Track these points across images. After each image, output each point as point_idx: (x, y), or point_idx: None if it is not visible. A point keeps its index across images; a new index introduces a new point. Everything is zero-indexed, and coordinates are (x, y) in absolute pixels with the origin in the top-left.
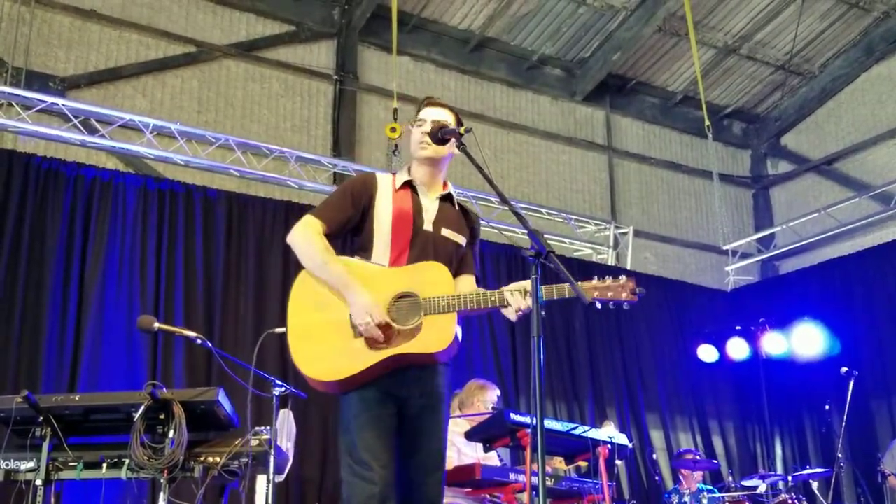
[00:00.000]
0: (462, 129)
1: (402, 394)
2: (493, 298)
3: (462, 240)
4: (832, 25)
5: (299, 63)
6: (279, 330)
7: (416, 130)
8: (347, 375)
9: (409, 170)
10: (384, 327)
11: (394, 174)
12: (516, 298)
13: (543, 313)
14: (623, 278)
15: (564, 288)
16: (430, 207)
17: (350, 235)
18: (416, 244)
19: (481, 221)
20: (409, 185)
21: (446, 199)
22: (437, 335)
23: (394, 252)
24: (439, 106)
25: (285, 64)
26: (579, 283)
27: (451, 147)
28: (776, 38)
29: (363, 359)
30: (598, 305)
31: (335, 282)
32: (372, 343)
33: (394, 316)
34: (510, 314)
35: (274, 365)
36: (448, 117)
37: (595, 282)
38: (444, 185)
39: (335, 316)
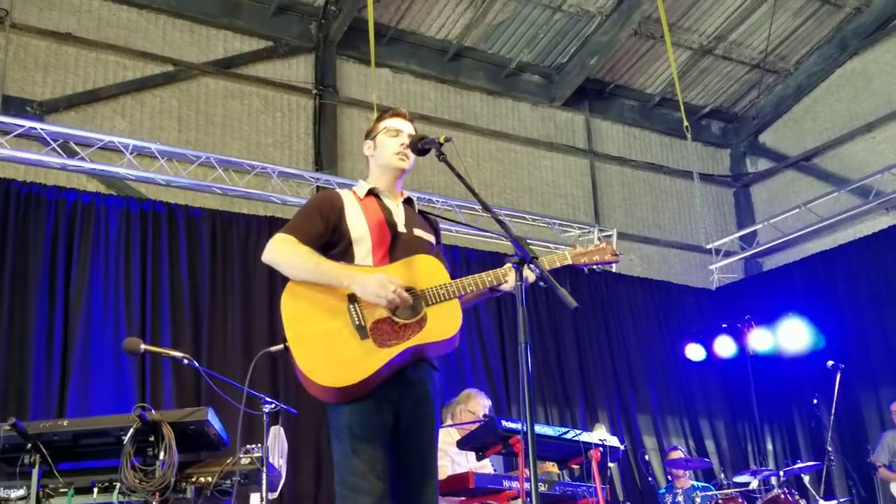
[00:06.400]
0: (442, 139)
1: (398, 400)
2: (489, 278)
3: (433, 239)
4: (805, 22)
5: (278, 78)
6: (274, 348)
7: (392, 141)
8: (368, 375)
9: (366, 180)
10: (390, 322)
11: (351, 188)
12: (512, 272)
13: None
14: (603, 242)
15: (555, 257)
16: (398, 211)
17: (322, 251)
18: (397, 246)
19: (463, 227)
20: (371, 193)
21: (407, 202)
22: (446, 322)
23: (376, 256)
24: (408, 120)
25: (264, 80)
26: (565, 250)
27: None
28: (750, 38)
29: (379, 357)
30: (586, 270)
31: (332, 279)
32: (382, 341)
33: (396, 312)
34: (509, 287)
35: (264, 382)
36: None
37: (579, 249)
38: (401, 192)
39: (336, 323)
